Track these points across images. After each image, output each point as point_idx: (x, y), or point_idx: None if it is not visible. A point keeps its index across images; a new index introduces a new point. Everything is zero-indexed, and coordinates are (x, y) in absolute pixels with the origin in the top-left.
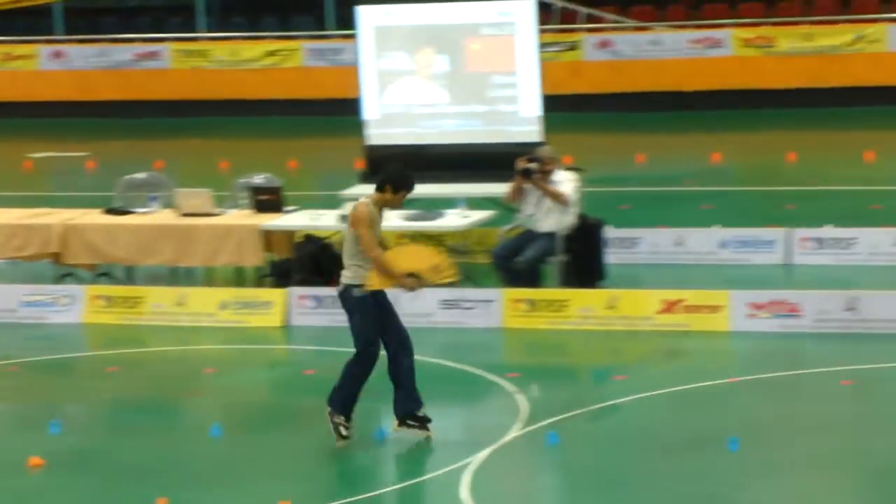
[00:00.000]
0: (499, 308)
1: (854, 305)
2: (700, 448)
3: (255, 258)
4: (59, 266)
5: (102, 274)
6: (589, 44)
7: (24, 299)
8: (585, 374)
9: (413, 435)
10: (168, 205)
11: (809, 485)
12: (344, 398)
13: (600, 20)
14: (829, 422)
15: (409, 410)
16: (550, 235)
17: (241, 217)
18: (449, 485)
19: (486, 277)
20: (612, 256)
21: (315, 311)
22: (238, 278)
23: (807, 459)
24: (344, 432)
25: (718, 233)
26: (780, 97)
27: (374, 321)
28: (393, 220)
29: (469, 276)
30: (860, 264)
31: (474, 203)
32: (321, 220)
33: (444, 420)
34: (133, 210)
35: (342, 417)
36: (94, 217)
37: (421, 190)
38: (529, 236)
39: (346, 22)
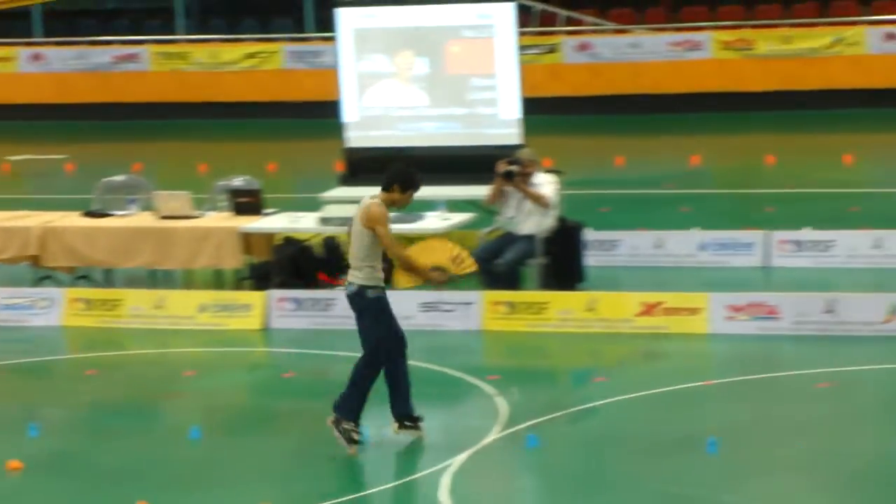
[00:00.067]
0: (478, 310)
1: (832, 308)
2: (679, 450)
3: (234, 261)
4: (37, 269)
5: (81, 277)
6: (568, 46)
7: (3, 302)
8: (565, 376)
9: (411, 435)
10: (147, 207)
11: (787, 486)
12: (354, 403)
13: (580, 23)
14: (807, 424)
15: (407, 411)
16: (530, 238)
17: (220, 219)
18: (428, 487)
19: (466, 280)
20: (591, 259)
21: (294, 313)
22: (217, 281)
23: (785, 461)
24: (356, 437)
25: (697, 235)
26: (759, 100)
27: (385, 321)
28: None
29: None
30: (838, 267)
31: (454, 205)
32: (300, 223)
33: (423, 422)
34: (112, 213)
35: (352, 423)
36: (72, 220)
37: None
38: (509, 239)
39: (326, 24)
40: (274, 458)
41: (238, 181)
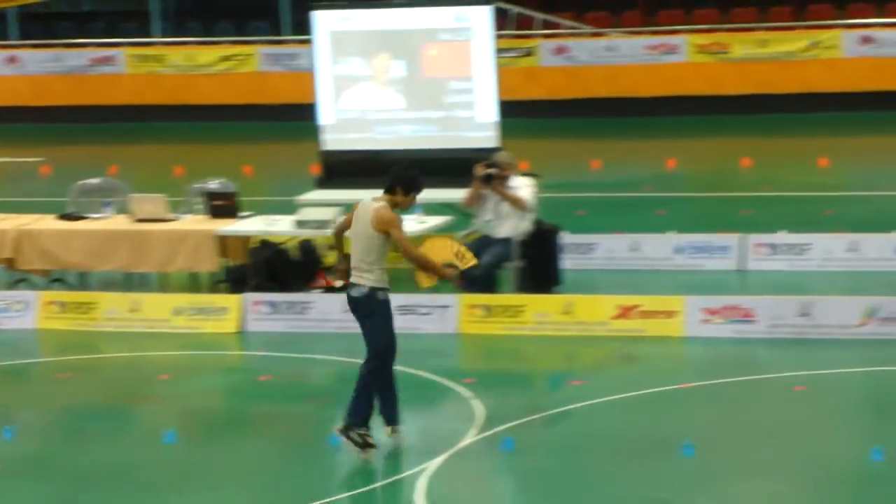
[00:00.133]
0: (455, 314)
1: (808, 311)
2: (655, 453)
3: (209, 264)
4: (12, 272)
5: (56, 280)
6: (545, 49)
7: None
8: (541, 379)
9: (392, 440)
10: (122, 210)
11: (763, 490)
12: (364, 408)
13: (556, 26)
14: (782, 427)
15: (394, 414)
16: (506, 241)
17: (196, 222)
18: (404, 491)
19: (442, 283)
20: (567, 262)
21: (270, 316)
22: (193, 284)
23: (760, 464)
24: (371, 441)
25: (673, 238)
26: (735, 103)
27: (391, 323)
28: None
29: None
30: (814, 270)
31: (430, 209)
32: (276, 226)
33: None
34: (87, 215)
35: (364, 428)
36: (47, 222)
37: (376, 196)
38: (486, 242)
39: (303, 27)
40: (249, 461)
41: (214, 184)
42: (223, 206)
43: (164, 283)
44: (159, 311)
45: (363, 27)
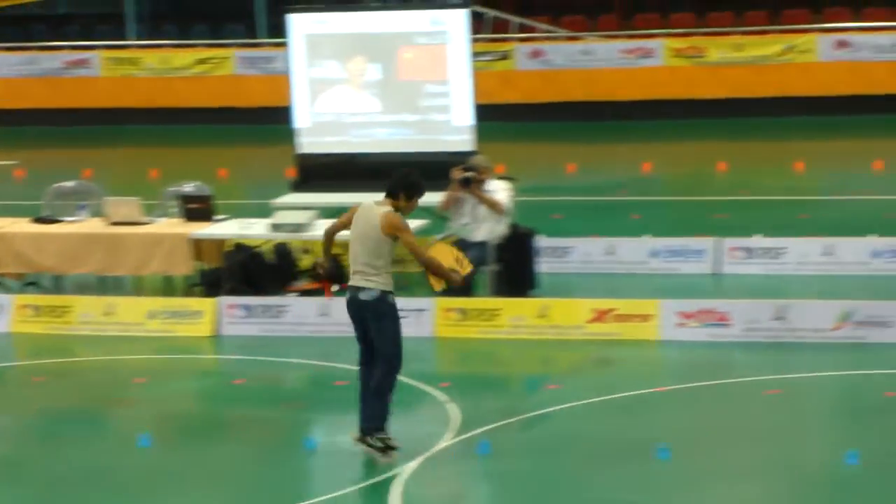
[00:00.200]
0: (430, 317)
1: (783, 314)
2: (631, 456)
3: (184, 267)
4: None
5: (30, 283)
6: (521, 53)
7: None
8: (517, 383)
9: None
10: (97, 213)
11: (738, 493)
12: (382, 412)
13: (532, 30)
14: (757, 431)
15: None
16: (483, 245)
17: (171, 226)
18: (380, 494)
19: (418, 286)
20: (543, 265)
21: (245, 320)
22: (167, 287)
23: (735, 468)
24: (392, 443)
25: (649, 242)
26: (711, 107)
27: (400, 326)
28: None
29: (401, 286)
30: (789, 273)
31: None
32: (251, 229)
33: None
34: (61, 219)
35: (382, 432)
36: (22, 226)
37: (352, 199)
38: (462, 245)
39: (278, 30)
40: (224, 465)
41: (189, 187)
42: (198, 209)
43: (138, 287)
44: (134, 314)
45: (339, 30)
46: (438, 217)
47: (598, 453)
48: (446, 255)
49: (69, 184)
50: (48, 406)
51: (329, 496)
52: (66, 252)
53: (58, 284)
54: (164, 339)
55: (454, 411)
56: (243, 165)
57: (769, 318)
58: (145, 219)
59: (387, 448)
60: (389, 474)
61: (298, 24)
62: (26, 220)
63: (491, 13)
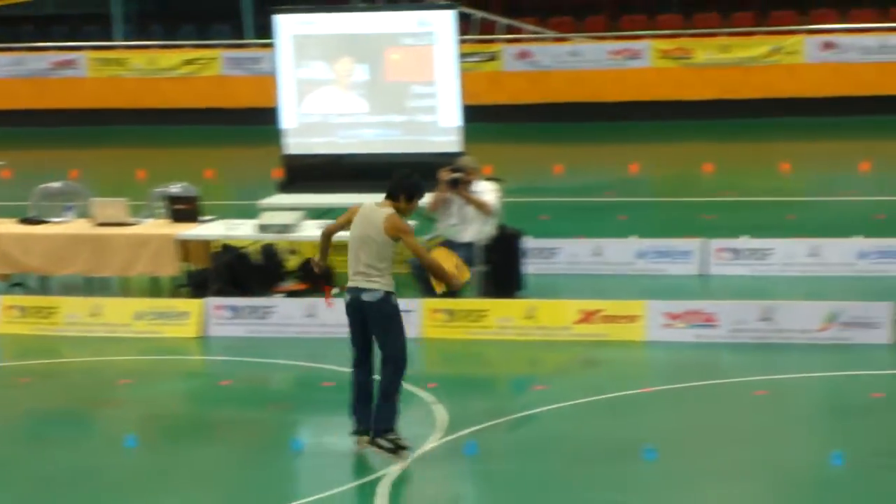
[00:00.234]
0: (417, 318)
1: (769, 315)
2: (618, 457)
3: (171, 268)
4: None
5: (16, 284)
6: (508, 54)
7: None
8: (504, 383)
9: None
10: (83, 214)
11: (724, 494)
12: (390, 412)
13: (519, 31)
14: (743, 431)
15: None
16: (470, 245)
17: (158, 227)
18: (366, 495)
19: (405, 287)
20: (530, 267)
21: (231, 321)
22: (154, 288)
23: (722, 469)
24: (404, 443)
25: (635, 243)
26: (698, 108)
27: (403, 327)
28: (312, 230)
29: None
30: (776, 274)
31: None
32: (238, 230)
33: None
34: (48, 219)
35: (393, 433)
36: (8, 226)
37: (339, 200)
38: (449, 246)
39: (265, 31)
40: (210, 466)
41: (175, 188)
42: (185, 210)
43: (125, 288)
44: (120, 315)
45: (326, 31)
46: (426, 218)
47: (585, 454)
48: (447, 260)
49: (56, 184)
50: (34, 407)
51: (316, 497)
52: (52, 253)
53: (44, 285)
54: (150, 340)
55: (441, 412)
56: (230, 166)
57: (756, 318)
58: (132, 220)
59: (398, 448)
60: (376, 475)
61: (285, 24)
62: (12, 220)
63: (478, 14)
